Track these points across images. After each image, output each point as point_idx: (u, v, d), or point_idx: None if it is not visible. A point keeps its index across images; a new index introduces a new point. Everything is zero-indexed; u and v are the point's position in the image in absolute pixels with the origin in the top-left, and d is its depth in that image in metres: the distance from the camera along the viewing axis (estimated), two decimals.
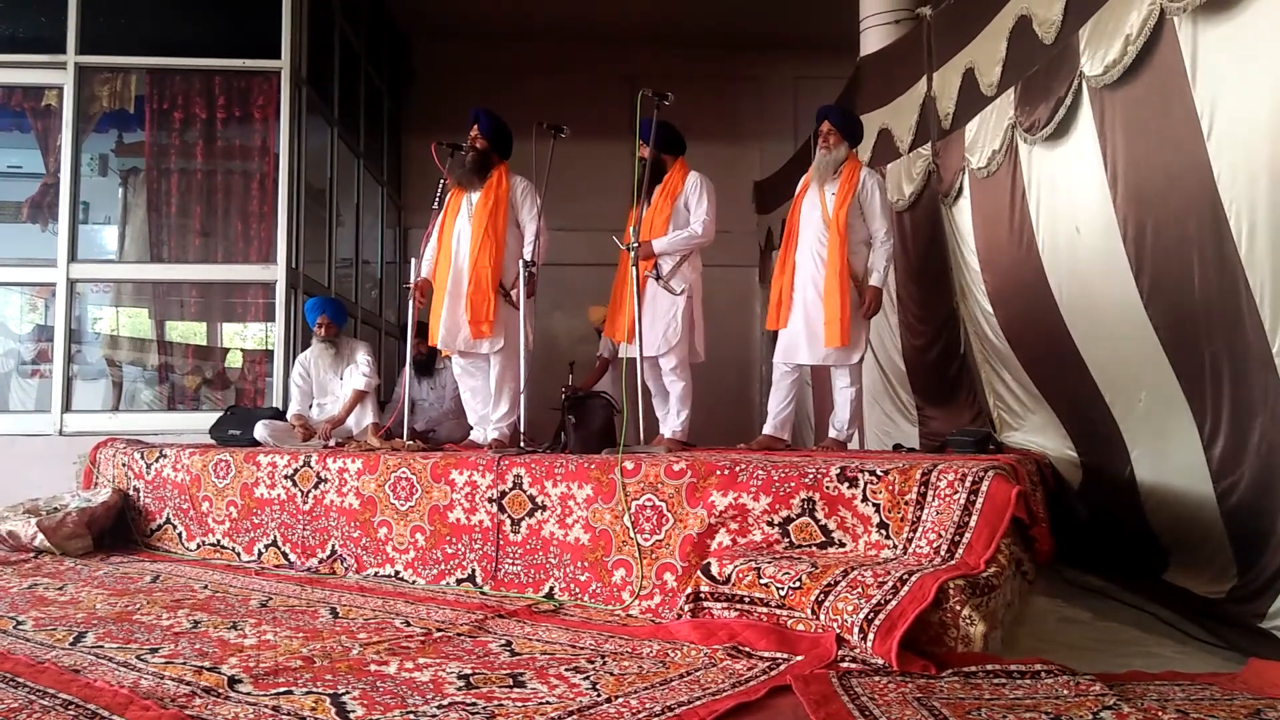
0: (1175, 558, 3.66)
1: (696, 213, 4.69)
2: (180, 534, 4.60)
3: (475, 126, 4.82)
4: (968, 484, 2.86)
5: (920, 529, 2.88)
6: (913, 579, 2.48)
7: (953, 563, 2.68)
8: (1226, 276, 2.96)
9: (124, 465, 4.91)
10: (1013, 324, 4.75)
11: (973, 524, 2.78)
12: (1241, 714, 1.98)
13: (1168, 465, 3.66)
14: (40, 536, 4.37)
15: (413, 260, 4.97)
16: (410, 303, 4.99)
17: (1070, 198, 3.96)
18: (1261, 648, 2.57)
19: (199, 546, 4.50)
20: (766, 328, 5.01)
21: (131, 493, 4.82)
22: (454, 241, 4.82)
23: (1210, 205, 2.98)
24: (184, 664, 2.41)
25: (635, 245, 4.34)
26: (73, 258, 6.18)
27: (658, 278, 4.62)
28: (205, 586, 3.62)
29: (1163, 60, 3.17)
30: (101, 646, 2.62)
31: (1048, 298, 4.21)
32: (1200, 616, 2.99)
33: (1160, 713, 1.96)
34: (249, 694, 2.14)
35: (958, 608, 2.42)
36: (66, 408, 6.12)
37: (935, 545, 2.80)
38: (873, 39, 6.59)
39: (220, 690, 2.16)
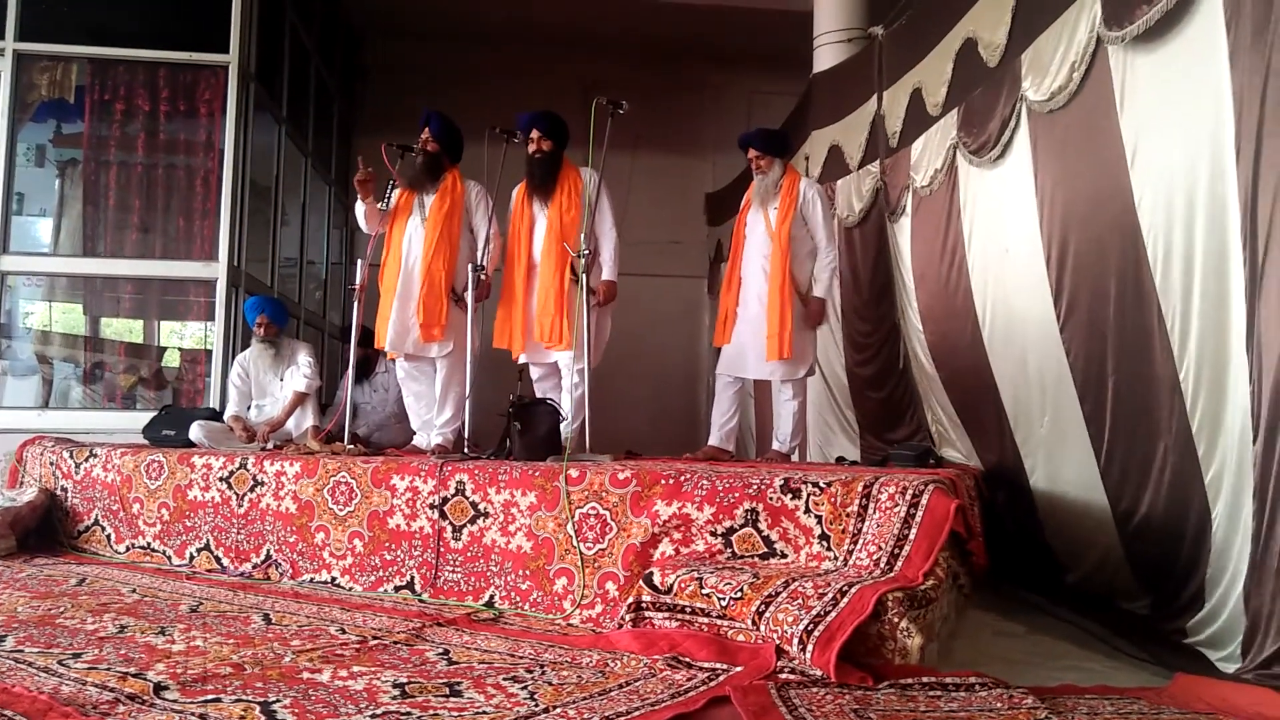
0: (1071, 575, 3.75)
1: (605, 217, 4.61)
2: (109, 536, 4.47)
3: (426, 129, 4.78)
4: (908, 497, 2.89)
5: (861, 541, 2.90)
6: (852, 591, 2.50)
7: (892, 575, 2.70)
8: (1140, 302, 3.04)
9: (52, 464, 4.76)
10: (938, 342, 4.85)
11: (912, 537, 2.82)
12: None
13: (1065, 487, 3.75)
14: None
15: (359, 261, 4.91)
16: (355, 305, 4.92)
17: (1002, 219, 4.05)
18: (1188, 663, 2.63)
19: (128, 549, 4.38)
20: (715, 344, 4.99)
21: (59, 493, 4.68)
22: (404, 243, 4.77)
23: (1130, 232, 3.07)
24: (108, 670, 2.33)
25: (585, 253, 4.32)
26: (4, 249, 5.99)
27: (576, 279, 4.56)
28: (133, 590, 3.52)
29: (1095, 88, 3.27)
30: (21, 651, 2.53)
31: (972, 316, 4.31)
32: (1130, 632, 3.06)
33: None
34: (175, 701, 2.07)
35: (896, 620, 2.45)
36: None
37: (875, 557, 2.83)
38: (826, 56, 6.68)
39: (145, 697, 2.09)
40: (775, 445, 4.87)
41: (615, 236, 4.62)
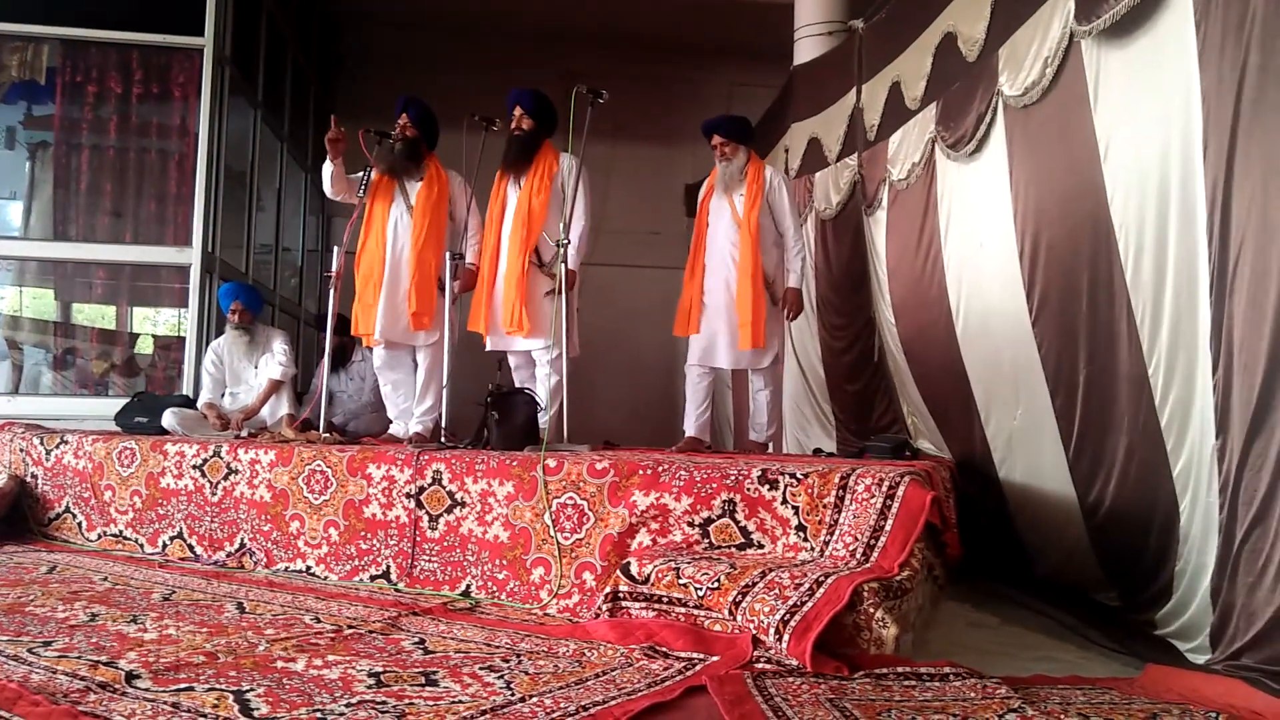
0: (1042, 566, 3.79)
1: (580, 202, 4.51)
2: (80, 523, 4.42)
3: (404, 115, 4.75)
4: (884, 489, 2.91)
5: (837, 532, 2.92)
6: (828, 581, 2.51)
7: (868, 566, 2.72)
8: (1111, 297, 3.07)
9: (21, 451, 4.69)
10: (910, 335, 4.87)
11: (888, 528, 2.83)
12: (1139, 717, 2.05)
13: (1035, 480, 3.79)
14: None
15: (335, 249, 4.87)
16: (331, 292, 4.88)
17: (977, 213, 4.08)
18: (1158, 654, 2.67)
19: (100, 537, 4.33)
20: (675, 334, 4.93)
21: (29, 479, 4.61)
22: (390, 231, 4.73)
23: (1102, 227, 3.09)
24: (79, 658, 2.30)
25: (566, 241, 4.30)
26: None
27: (540, 265, 4.54)
28: (105, 578, 3.48)
29: (1069, 83, 3.29)
30: None
31: (945, 310, 4.33)
32: (1101, 623, 3.09)
33: (1063, 715, 2.02)
34: (147, 690, 2.05)
35: (871, 610, 2.46)
36: None
37: (851, 548, 2.84)
38: (806, 49, 6.69)
39: (117, 685, 2.07)
40: (752, 435, 4.88)
41: (585, 225, 4.53)
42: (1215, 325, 2.49)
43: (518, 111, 4.59)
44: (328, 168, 4.76)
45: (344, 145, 4.71)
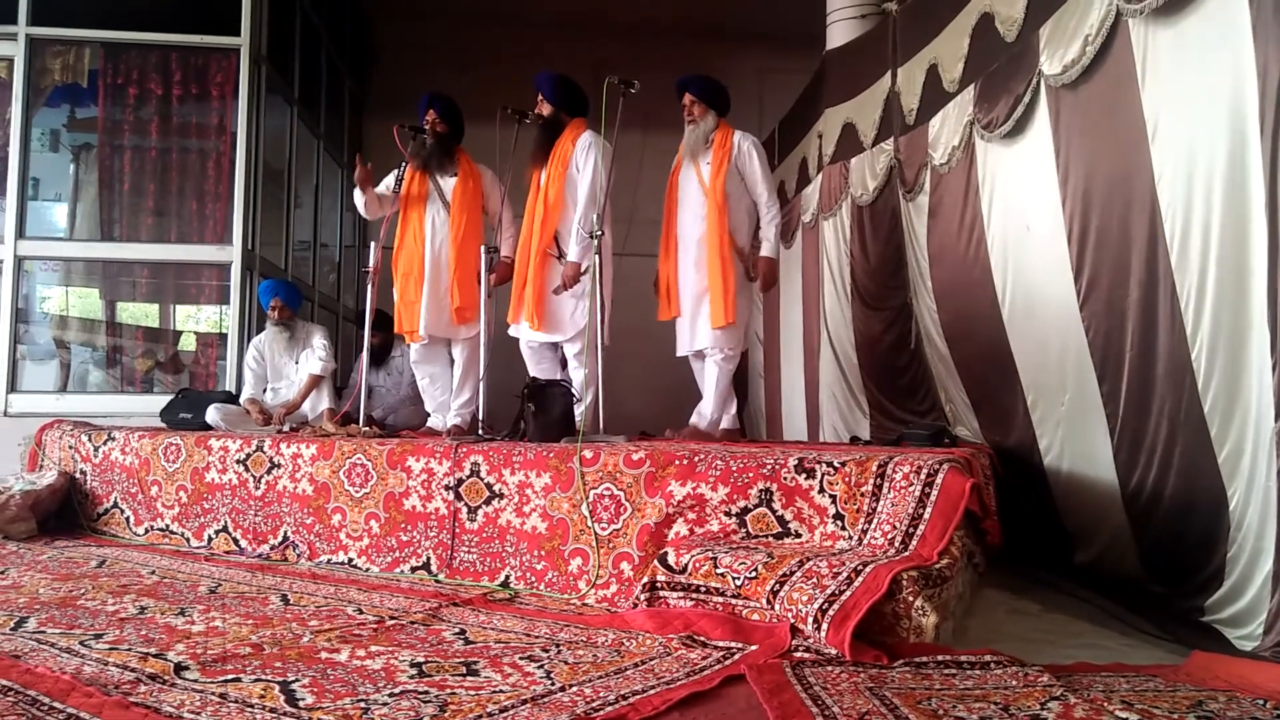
0: (1085, 553, 3.73)
1: (585, 177, 4.38)
2: (128, 518, 4.51)
3: (431, 110, 4.78)
4: (923, 476, 2.89)
5: (875, 520, 2.90)
6: (867, 570, 2.50)
7: (906, 554, 2.70)
8: (1156, 280, 3.01)
9: (71, 448, 4.80)
10: (953, 322, 4.80)
11: (927, 516, 2.81)
12: (1184, 705, 2.02)
13: (1079, 466, 3.73)
14: None
15: (371, 244, 4.92)
16: (369, 288, 4.93)
17: (1022, 196, 4.01)
18: (1205, 641, 2.62)
19: (147, 531, 4.42)
20: (659, 319, 4.77)
21: (78, 476, 4.72)
22: (428, 227, 4.77)
23: (1149, 208, 3.03)
24: (129, 650, 2.36)
25: (599, 233, 4.28)
26: (21, 234, 6.03)
27: (559, 255, 4.48)
28: (153, 572, 3.56)
29: (1116, 62, 3.22)
30: (44, 632, 2.56)
31: (990, 295, 4.27)
32: (1146, 610, 3.05)
33: (1106, 703, 2.00)
34: (196, 681, 2.10)
35: (910, 599, 2.45)
36: (12, 388, 5.96)
37: (890, 536, 2.82)
38: (839, 33, 6.61)
39: (166, 677, 2.12)
40: (695, 419, 4.58)
41: (587, 208, 4.34)
42: (1270, 303, 2.43)
43: (538, 98, 4.58)
44: (359, 196, 4.82)
45: (370, 178, 4.77)
